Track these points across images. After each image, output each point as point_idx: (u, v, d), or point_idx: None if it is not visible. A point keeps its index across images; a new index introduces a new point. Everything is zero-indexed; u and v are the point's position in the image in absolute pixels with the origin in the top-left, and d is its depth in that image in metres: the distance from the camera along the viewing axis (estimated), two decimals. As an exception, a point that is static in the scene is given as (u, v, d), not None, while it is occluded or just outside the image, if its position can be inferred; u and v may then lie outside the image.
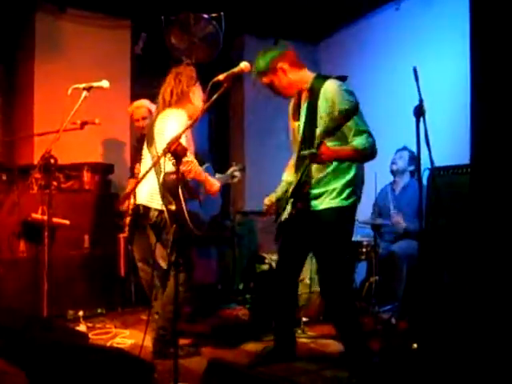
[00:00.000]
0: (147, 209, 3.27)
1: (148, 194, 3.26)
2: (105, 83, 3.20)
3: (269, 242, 4.96)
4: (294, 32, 5.29)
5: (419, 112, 2.52)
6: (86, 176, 4.51)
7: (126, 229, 4.17)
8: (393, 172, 4.54)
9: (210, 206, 3.41)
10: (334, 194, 2.90)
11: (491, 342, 2.42)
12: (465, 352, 2.63)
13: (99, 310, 4.32)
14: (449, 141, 3.98)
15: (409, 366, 2.78)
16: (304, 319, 3.78)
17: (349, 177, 2.92)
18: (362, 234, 4.18)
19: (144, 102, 4.40)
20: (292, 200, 2.94)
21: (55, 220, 3.69)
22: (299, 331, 3.71)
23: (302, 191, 2.91)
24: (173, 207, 2.98)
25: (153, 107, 4.32)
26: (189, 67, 3.48)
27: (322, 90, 2.86)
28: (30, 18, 5.02)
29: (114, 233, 4.46)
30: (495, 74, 2.49)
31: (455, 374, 2.59)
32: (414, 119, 2.52)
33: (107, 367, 2.25)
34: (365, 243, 4.07)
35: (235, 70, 2.53)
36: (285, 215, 3.01)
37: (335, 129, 2.55)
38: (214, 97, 2.44)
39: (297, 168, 3.00)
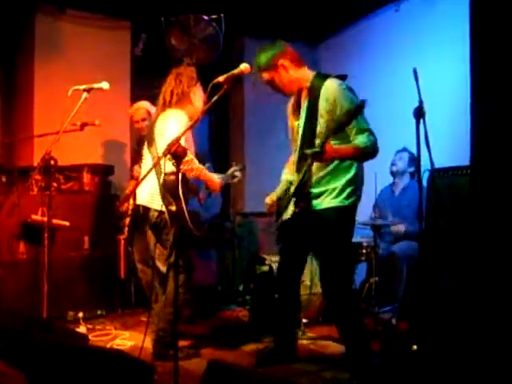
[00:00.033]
0: (147, 209, 3.27)
1: (148, 194, 3.26)
2: (105, 85, 3.20)
3: (269, 244, 4.97)
4: (294, 33, 5.29)
5: (419, 113, 2.52)
6: (86, 177, 4.51)
7: (126, 230, 4.17)
8: (392, 173, 4.53)
9: (210, 205, 3.41)
10: (335, 193, 2.90)
11: (491, 343, 2.42)
12: (465, 353, 2.63)
13: (99, 312, 4.32)
14: (449, 142, 3.98)
15: (409, 367, 2.79)
16: (304, 320, 3.78)
17: (349, 176, 2.92)
18: (361, 235, 4.17)
19: (143, 104, 4.40)
20: (294, 199, 2.94)
21: (55, 221, 3.69)
22: (299, 332, 3.70)
23: (304, 190, 2.90)
24: (173, 208, 2.98)
25: (152, 109, 4.32)
26: (189, 68, 3.48)
27: (323, 89, 2.86)
28: (30, 18, 5.02)
29: (114, 234, 4.46)
30: (495, 75, 2.49)
31: (455, 375, 2.59)
32: (414, 120, 2.52)
33: (107, 369, 2.24)
34: (365, 244, 4.07)
35: (235, 71, 2.53)
36: (287, 215, 3.01)
37: (340, 128, 2.55)
38: (214, 98, 2.44)
39: (298, 167, 2.99)
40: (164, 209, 3.07)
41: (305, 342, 3.61)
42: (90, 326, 3.97)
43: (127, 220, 4.07)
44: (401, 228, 4.23)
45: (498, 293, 2.42)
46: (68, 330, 3.26)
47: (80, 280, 4.27)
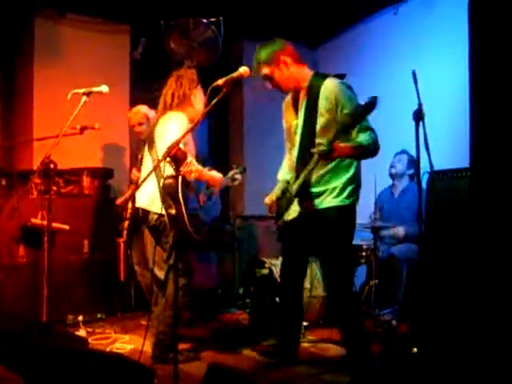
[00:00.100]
0: (146, 212, 3.27)
1: (148, 197, 3.26)
2: (104, 88, 3.20)
3: (269, 247, 4.97)
4: (293, 36, 5.28)
5: (418, 116, 2.52)
6: (86, 181, 4.51)
7: (124, 233, 4.17)
8: (392, 175, 4.54)
9: (210, 208, 3.41)
10: (335, 192, 2.91)
11: (491, 345, 2.42)
12: (465, 355, 2.63)
13: (99, 315, 4.31)
14: (448, 144, 3.99)
15: (409, 370, 2.78)
16: (304, 323, 3.77)
17: (349, 175, 2.93)
18: (361, 238, 4.17)
19: (141, 108, 4.41)
20: (298, 199, 2.94)
21: (55, 225, 3.68)
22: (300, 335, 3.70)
23: (307, 190, 2.91)
24: (173, 211, 2.98)
25: (150, 113, 4.33)
26: (190, 70, 3.49)
27: (322, 88, 2.87)
28: (30, 22, 5.03)
29: (114, 238, 4.46)
30: (494, 77, 2.49)
31: (455, 377, 2.59)
32: (413, 123, 2.52)
33: (107, 372, 2.24)
34: (364, 247, 4.07)
35: (234, 74, 2.53)
36: (290, 215, 3.00)
37: (353, 126, 2.55)
38: (214, 101, 2.44)
39: (298, 166, 2.98)
40: (164, 212, 3.07)
41: (305, 344, 3.61)
42: (89, 330, 3.96)
43: (126, 223, 4.08)
44: (400, 231, 4.24)
45: (498, 295, 2.41)
46: (68, 334, 3.25)
47: (80, 283, 4.27)
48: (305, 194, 2.90)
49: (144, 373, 2.32)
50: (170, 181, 2.96)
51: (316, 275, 3.99)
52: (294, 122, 3.04)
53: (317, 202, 2.92)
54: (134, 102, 5.08)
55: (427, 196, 3.36)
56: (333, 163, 2.89)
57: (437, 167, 2.79)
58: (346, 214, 2.95)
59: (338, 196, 2.91)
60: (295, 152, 3.03)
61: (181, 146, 2.47)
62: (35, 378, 2.24)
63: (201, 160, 3.38)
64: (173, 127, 3.15)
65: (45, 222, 3.23)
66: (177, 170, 2.45)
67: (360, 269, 4.22)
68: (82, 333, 3.82)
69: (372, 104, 2.47)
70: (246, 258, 5.15)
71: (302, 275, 3.24)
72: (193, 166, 3.11)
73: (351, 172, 2.94)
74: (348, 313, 2.95)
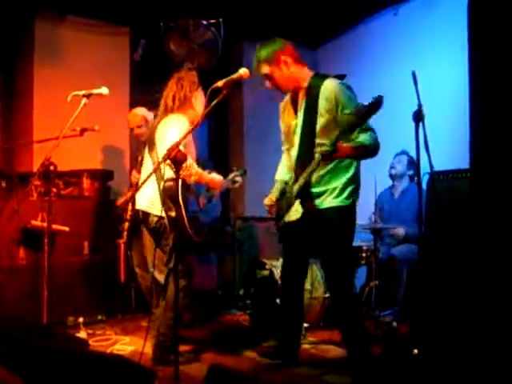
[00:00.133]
0: (147, 214, 3.27)
1: (148, 200, 3.26)
2: (104, 90, 3.20)
3: (269, 248, 4.96)
4: (293, 37, 5.28)
5: (418, 117, 2.52)
6: (86, 183, 4.51)
7: (124, 234, 4.18)
8: (392, 176, 4.54)
9: (210, 210, 3.41)
10: (336, 193, 2.91)
11: (492, 346, 2.42)
12: (465, 356, 2.63)
13: (99, 317, 4.31)
14: (448, 145, 3.99)
15: (409, 371, 2.78)
16: (305, 325, 3.77)
17: (349, 175, 2.94)
18: (361, 239, 4.17)
19: (139, 111, 4.41)
20: (300, 200, 2.94)
21: (55, 227, 3.69)
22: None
23: (308, 191, 2.91)
24: (173, 214, 2.98)
25: (149, 115, 4.33)
26: (190, 72, 3.48)
27: (322, 88, 2.88)
28: (30, 24, 5.03)
29: (114, 239, 4.46)
30: (494, 78, 2.49)
31: (456, 378, 2.59)
32: (413, 124, 2.52)
33: (107, 374, 2.24)
34: (364, 248, 4.07)
35: (234, 76, 2.53)
36: (292, 216, 3.00)
37: (357, 125, 2.55)
38: (213, 103, 2.44)
39: (298, 166, 2.98)
40: (164, 214, 3.07)
41: (306, 346, 3.60)
42: (90, 332, 3.96)
43: (126, 224, 4.08)
44: (400, 231, 4.24)
45: (499, 295, 2.41)
46: (68, 336, 3.26)
47: (80, 285, 4.27)
48: (306, 195, 2.90)
49: (145, 374, 2.32)
50: (170, 183, 2.96)
51: (317, 276, 3.99)
52: (293, 122, 3.04)
53: (317, 202, 2.92)
54: (133, 104, 5.08)
55: (427, 197, 3.36)
56: (332, 163, 2.89)
57: (437, 168, 2.79)
58: (346, 214, 2.96)
59: (338, 196, 2.91)
60: (294, 152, 3.03)
61: (181, 147, 2.46)
62: (36, 380, 2.24)
63: (201, 162, 3.38)
64: (173, 129, 3.15)
65: (45, 224, 3.23)
66: (177, 172, 2.45)
67: (360, 270, 4.22)
68: (82, 334, 3.82)
69: (378, 103, 2.47)
70: (247, 259, 5.15)
71: (303, 276, 3.24)
72: (192, 169, 3.11)
73: (351, 172, 2.94)
74: (350, 313, 2.95)
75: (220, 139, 6.38)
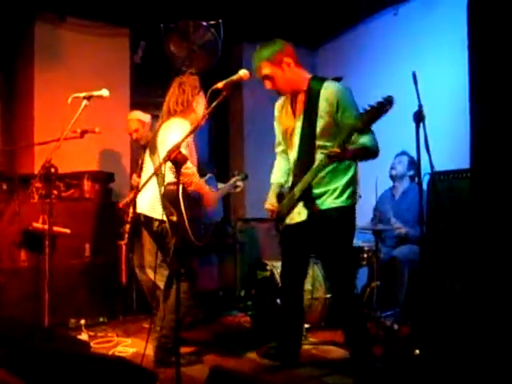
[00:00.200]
0: (149, 218, 3.27)
1: (149, 203, 3.26)
2: (105, 92, 3.21)
3: (270, 249, 4.96)
4: (293, 38, 5.28)
5: (419, 117, 2.53)
6: (87, 185, 4.52)
7: (125, 236, 4.18)
8: (392, 177, 4.54)
9: (211, 212, 3.40)
10: (336, 193, 2.92)
11: (493, 346, 2.41)
12: (467, 357, 2.62)
13: (101, 319, 4.31)
14: (449, 145, 3.98)
15: (411, 372, 2.78)
16: (306, 325, 3.77)
17: (348, 176, 2.94)
18: (363, 240, 4.17)
19: (135, 115, 4.40)
20: (303, 202, 2.94)
21: (56, 229, 3.68)
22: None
23: (310, 192, 2.91)
24: (174, 218, 2.98)
25: (146, 117, 4.33)
26: (192, 76, 3.49)
27: (322, 90, 2.88)
28: (30, 26, 5.04)
29: (115, 241, 4.46)
30: (494, 77, 2.49)
31: (457, 379, 2.58)
32: (413, 124, 2.52)
33: (109, 376, 2.24)
34: (366, 249, 4.06)
35: (234, 77, 2.53)
36: (297, 218, 2.99)
37: (372, 122, 2.55)
38: (213, 104, 2.44)
39: (298, 168, 2.98)
40: (165, 218, 3.07)
41: (307, 346, 3.60)
42: (91, 333, 3.96)
43: (127, 226, 4.08)
44: (402, 229, 4.23)
45: (500, 296, 2.41)
46: (70, 338, 3.26)
47: (81, 287, 4.27)
48: (308, 197, 2.91)
49: (146, 376, 2.32)
50: (171, 187, 2.96)
51: (317, 277, 3.99)
52: (291, 123, 3.04)
53: (318, 203, 2.92)
54: (134, 106, 5.09)
55: (428, 197, 3.36)
56: (332, 165, 2.89)
57: (437, 168, 2.79)
58: (347, 214, 2.96)
59: (338, 197, 2.92)
60: (294, 154, 3.03)
61: (182, 149, 2.46)
62: (37, 382, 2.24)
63: (202, 166, 3.38)
64: (175, 133, 3.14)
65: (46, 226, 3.23)
66: (177, 173, 2.45)
67: (361, 271, 4.22)
68: (84, 336, 3.82)
69: (389, 103, 2.46)
70: (248, 260, 5.14)
71: (303, 277, 3.24)
72: (194, 178, 3.07)
73: (351, 173, 2.95)
74: (352, 314, 2.95)
75: (220, 141, 6.38)
